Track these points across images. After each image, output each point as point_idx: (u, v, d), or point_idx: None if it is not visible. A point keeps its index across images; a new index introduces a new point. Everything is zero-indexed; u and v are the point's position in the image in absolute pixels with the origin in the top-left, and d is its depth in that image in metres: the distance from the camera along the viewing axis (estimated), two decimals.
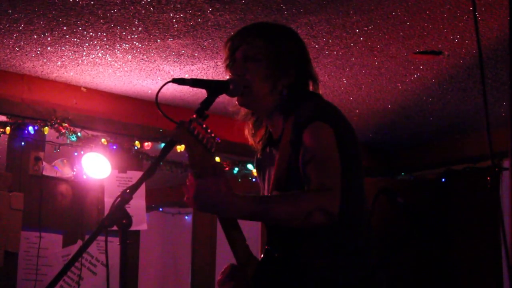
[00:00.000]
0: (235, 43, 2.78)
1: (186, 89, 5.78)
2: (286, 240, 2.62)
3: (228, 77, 2.76)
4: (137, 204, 5.90)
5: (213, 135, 2.51)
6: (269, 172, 2.83)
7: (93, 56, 5.19)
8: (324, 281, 2.56)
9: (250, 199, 2.45)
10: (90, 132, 5.95)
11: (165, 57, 5.19)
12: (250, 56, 2.73)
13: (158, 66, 5.37)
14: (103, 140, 5.98)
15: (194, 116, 2.50)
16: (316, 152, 2.53)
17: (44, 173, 5.72)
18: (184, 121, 2.46)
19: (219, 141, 2.53)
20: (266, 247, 2.66)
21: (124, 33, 4.77)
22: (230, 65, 2.79)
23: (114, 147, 6.03)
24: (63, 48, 5.05)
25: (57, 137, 5.79)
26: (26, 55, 5.20)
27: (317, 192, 2.46)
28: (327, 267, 2.58)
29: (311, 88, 2.82)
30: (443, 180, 7.06)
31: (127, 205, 2.34)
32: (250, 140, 2.96)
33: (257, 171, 3.00)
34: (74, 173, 5.93)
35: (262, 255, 2.66)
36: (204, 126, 2.50)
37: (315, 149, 2.53)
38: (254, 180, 6.85)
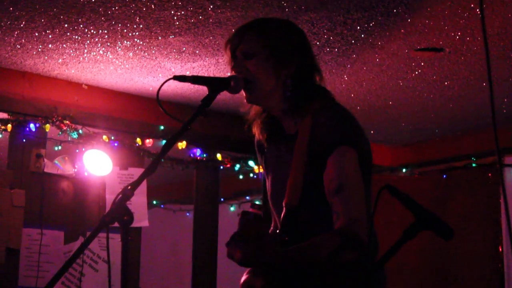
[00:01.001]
0: (234, 43, 2.78)
1: (187, 86, 5.79)
2: (299, 233, 2.63)
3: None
4: (139, 201, 5.91)
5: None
6: (277, 171, 2.83)
7: (94, 53, 5.20)
8: (325, 277, 2.58)
9: (290, 256, 2.47)
10: (91, 129, 5.96)
11: (166, 54, 5.19)
12: (249, 52, 2.73)
13: (159, 63, 5.38)
14: (104, 137, 5.99)
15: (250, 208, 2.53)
16: (343, 182, 2.52)
17: (45, 170, 5.73)
18: (247, 212, 2.48)
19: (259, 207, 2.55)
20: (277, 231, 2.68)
21: (125, 31, 4.77)
22: (233, 65, 2.80)
23: (115, 144, 6.04)
24: (64, 45, 5.05)
25: (59, 134, 5.79)
26: (28, 52, 5.21)
27: (346, 228, 2.46)
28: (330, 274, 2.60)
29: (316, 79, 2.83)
30: (444, 176, 7.06)
31: (128, 202, 2.34)
32: (259, 136, 2.94)
33: (264, 166, 2.99)
34: (76, 170, 5.94)
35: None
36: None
37: (342, 179, 2.52)
38: (255, 176, 6.86)
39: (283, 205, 2.65)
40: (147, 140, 6.23)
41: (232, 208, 8.99)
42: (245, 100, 2.82)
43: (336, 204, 2.51)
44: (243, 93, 2.82)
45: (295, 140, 2.69)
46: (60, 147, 5.86)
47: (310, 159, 2.61)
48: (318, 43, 4.91)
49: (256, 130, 2.93)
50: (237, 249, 2.44)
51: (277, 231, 2.68)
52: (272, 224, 2.86)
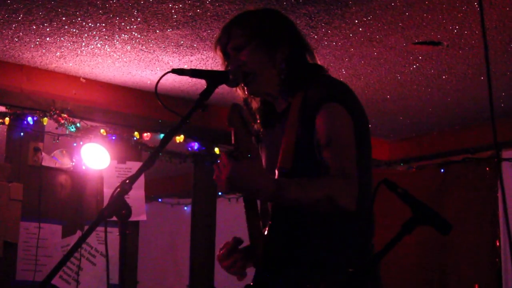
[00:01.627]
0: (223, 42, 2.80)
1: (185, 80, 5.78)
2: (290, 218, 2.63)
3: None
4: (136, 195, 5.91)
5: (255, 117, 2.51)
6: (271, 148, 2.83)
7: (92, 46, 5.19)
8: (318, 262, 2.59)
9: (280, 185, 2.44)
10: (89, 123, 5.96)
11: (164, 47, 5.18)
12: (240, 45, 2.75)
13: (157, 56, 5.37)
14: (102, 130, 5.99)
15: (245, 97, 2.51)
16: (333, 137, 2.54)
17: (43, 163, 5.73)
18: (237, 104, 2.46)
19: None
20: (270, 222, 2.67)
21: (123, 24, 4.76)
22: (228, 62, 2.81)
23: (113, 137, 6.04)
24: (62, 38, 5.05)
25: (56, 128, 5.79)
26: (25, 45, 5.20)
27: (339, 178, 2.48)
28: (323, 248, 2.60)
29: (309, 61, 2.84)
30: (442, 170, 7.06)
31: (126, 196, 2.34)
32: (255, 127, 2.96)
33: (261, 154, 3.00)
34: (73, 163, 5.94)
35: (266, 231, 2.66)
36: (249, 108, 2.52)
37: (332, 133, 2.55)
38: None
39: (276, 170, 2.65)
40: (145, 134, 6.23)
41: (229, 202, 9.00)
42: (242, 96, 2.84)
43: (326, 158, 2.53)
44: (237, 90, 2.85)
45: (287, 115, 2.70)
46: (58, 141, 5.85)
47: (301, 123, 2.63)
48: (316, 36, 4.91)
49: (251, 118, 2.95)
50: (227, 166, 2.41)
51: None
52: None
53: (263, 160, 2.88)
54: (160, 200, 10.01)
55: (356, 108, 2.65)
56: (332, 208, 2.46)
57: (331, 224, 2.61)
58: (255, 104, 2.91)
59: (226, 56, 2.81)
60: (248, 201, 2.64)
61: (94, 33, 4.93)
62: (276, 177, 2.62)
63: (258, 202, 2.70)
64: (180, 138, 6.33)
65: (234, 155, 2.46)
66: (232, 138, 2.49)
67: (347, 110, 2.59)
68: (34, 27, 4.83)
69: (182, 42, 5.07)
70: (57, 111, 5.73)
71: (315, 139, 2.58)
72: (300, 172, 2.59)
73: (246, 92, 2.81)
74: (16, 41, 5.12)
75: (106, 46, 5.18)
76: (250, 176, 2.40)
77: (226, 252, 2.80)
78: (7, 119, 5.57)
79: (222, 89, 2.69)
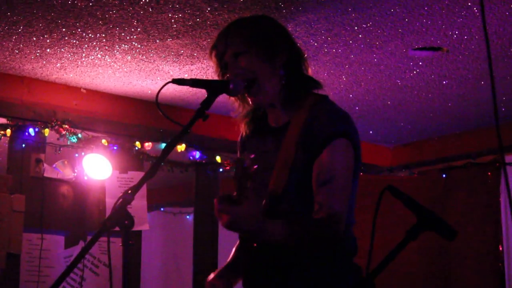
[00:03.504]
0: (220, 50, 2.78)
1: (185, 89, 5.78)
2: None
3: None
4: (139, 205, 5.91)
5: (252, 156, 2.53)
6: (260, 159, 2.81)
7: (93, 57, 5.20)
8: (309, 275, 2.60)
9: (277, 228, 2.48)
10: (90, 133, 5.96)
11: (164, 57, 5.19)
12: (239, 52, 2.74)
13: (158, 66, 5.38)
14: (103, 141, 5.99)
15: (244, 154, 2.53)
16: (335, 175, 2.57)
17: (45, 174, 5.73)
18: (241, 159, 2.47)
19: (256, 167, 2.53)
20: (255, 244, 2.67)
21: (123, 34, 4.77)
22: (224, 71, 2.79)
23: (115, 147, 6.04)
24: (62, 49, 5.05)
25: (58, 139, 5.79)
26: (26, 57, 5.21)
27: (326, 220, 2.52)
28: (311, 268, 2.62)
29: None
30: (444, 175, 7.06)
31: (128, 206, 2.34)
32: (244, 131, 2.95)
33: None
34: (75, 174, 5.94)
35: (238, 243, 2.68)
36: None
37: (335, 172, 2.58)
38: None
39: (268, 192, 2.66)
40: (146, 144, 6.23)
41: None
42: (241, 108, 2.86)
43: (322, 194, 2.56)
44: (233, 101, 2.85)
45: (284, 133, 2.70)
46: (59, 152, 5.85)
47: (301, 149, 2.63)
48: (316, 44, 4.91)
49: (242, 127, 2.95)
50: (226, 211, 2.43)
51: None
52: None
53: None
54: (162, 209, 10.01)
55: (358, 140, 2.69)
56: (317, 252, 2.59)
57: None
58: (247, 106, 2.89)
59: (222, 64, 2.80)
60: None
61: (94, 43, 4.94)
62: (266, 199, 2.65)
63: None
64: (181, 147, 6.34)
65: (234, 200, 2.47)
66: (235, 187, 2.49)
67: (352, 145, 2.63)
68: (34, 38, 4.84)
69: (182, 51, 5.07)
70: (58, 122, 5.73)
71: (315, 169, 2.60)
72: (291, 198, 2.63)
73: (252, 103, 2.80)
74: (17, 53, 5.13)
75: (106, 56, 5.18)
76: (250, 220, 2.42)
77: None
78: (8, 130, 5.57)
79: (223, 97, 2.69)
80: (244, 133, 2.96)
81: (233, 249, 2.98)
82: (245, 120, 2.91)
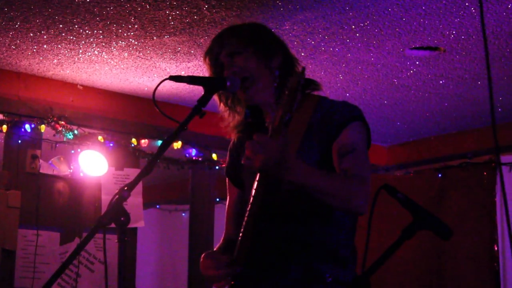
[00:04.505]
0: (215, 51, 2.80)
1: (182, 86, 5.79)
2: (274, 225, 2.65)
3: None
4: (134, 202, 5.91)
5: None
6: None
7: (89, 53, 5.19)
8: (310, 270, 2.60)
9: (310, 167, 2.48)
10: (86, 130, 5.95)
11: (161, 54, 5.19)
12: (235, 51, 2.75)
13: (155, 63, 5.38)
14: (99, 137, 5.98)
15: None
16: (358, 147, 2.61)
17: (41, 171, 5.72)
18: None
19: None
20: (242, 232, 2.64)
21: (120, 31, 4.77)
22: (218, 72, 2.79)
23: (111, 144, 6.04)
24: (59, 46, 5.05)
25: (54, 135, 5.79)
26: (22, 53, 5.20)
27: (361, 181, 2.53)
28: (319, 260, 2.62)
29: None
30: (440, 175, 7.06)
31: (124, 203, 2.34)
32: (237, 139, 2.95)
33: (233, 164, 3.00)
34: (71, 170, 5.93)
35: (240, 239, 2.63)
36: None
37: (357, 144, 2.62)
38: None
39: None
40: (143, 141, 6.22)
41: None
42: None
43: (346, 162, 2.58)
44: (223, 110, 2.85)
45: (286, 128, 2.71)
46: (55, 148, 5.85)
47: (306, 146, 2.66)
48: (313, 42, 4.91)
49: (234, 136, 2.94)
50: (263, 142, 2.35)
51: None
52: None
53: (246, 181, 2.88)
54: (158, 206, 10.01)
55: (369, 129, 2.76)
56: (345, 204, 2.51)
57: (323, 229, 2.63)
58: (237, 117, 2.89)
59: (217, 66, 2.80)
60: (258, 196, 2.57)
61: (91, 40, 4.94)
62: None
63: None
64: (177, 145, 6.33)
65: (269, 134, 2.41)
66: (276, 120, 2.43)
67: (366, 129, 2.72)
68: (31, 34, 4.84)
69: (179, 48, 5.07)
70: (55, 118, 5.72)
71: (336, 147, 2.62)
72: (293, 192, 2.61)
73: (243, 99, 2.80)
74: (13, 49, 5.12)
75: (103, 53, 5.18)
76: (284, 152, 2.35)
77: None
78: (4, 126, 5.56)
79: None
80: (235, 141, 2.96)
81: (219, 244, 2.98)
82: (237, 129, 2.91)
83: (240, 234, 2.58)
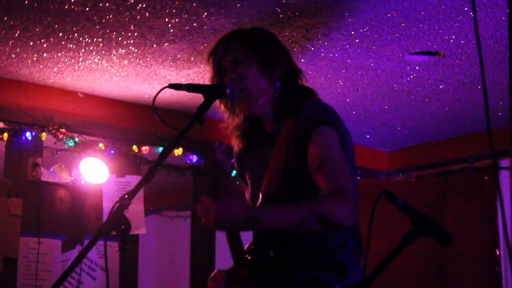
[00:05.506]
0: (219, 55, 2.80)
1: (182, 93, 5.78)
2: (278, 240, 2.63)
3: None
4: (136, 209, 5.91)
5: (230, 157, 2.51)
6: (256, 172, 2.83)
7: (90, 61, 5.20)
8: (313, 283, 2.59)
9: (261, 210, 2.43)
10: (87, 137, 5.95)
11: (161, 61, 5.19)
12: (238, 59, 2.75)
13: (155, 70, 5.38)
14: (100, 145, 5.99)
15: (215, 145, 2.50)
16: (326, 157, 2.54)
17: (42, 178, 5.72)
18: (212, 148, 2.45)
19: (233, 161, 2.52)
20: (253, 247, 2.65)
21: (120, 39, 4.77)
22: (220, 76, 2.80)
23: (112, 151, 6.04)
24: (59, 54, 5.06)
25: (55, 143, 5.79)
26: (23, 61, 5.21)
27: (333, 195, 2.46)
28: (311, 267, 2.61)
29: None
30: (441, 180, 7.06)
31: (125, 210, 2.35)
32: (238, 147, 2.96)
33: (240, 170, 3.00)
34: (72, 178, 5.94)
35: (250, 256, 2.64)
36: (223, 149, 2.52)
37: (325, 154, 2.55)
38: None
39: (260, 194, 2.64)
40: (144, 148, 6.23)
41: None
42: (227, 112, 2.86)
43: (320, 179, 2.53)
44: (223, 111, 2.85)
45: (276, 139, 2.71)
46: (56, 155, 5.85)
47: (290, 148, 2.64)
48: (312, 48, 4.92)
49: (234, 142, 2.95)
50: (209, 211, 2.35)
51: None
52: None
53: (250, 182, 2.88)
54: (159, 213, 10.00)
55: (344, 130, 2.67)
56: (325, 226, 2.41)
57: (317, 242, 2.63)
58: (231, 126, 2.90)
59: (219, 70, 2.81)
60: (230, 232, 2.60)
61: (91, 48, 4.94)
62: (259, 200, 2.62)
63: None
64: (178, 151, 6.34)
65: (214, 195, 2.44)
66: (212, 184, 2.47)
67: (337, 132, 2.61)
68: (31, 43, 4.84)
69: (179, 55, 5.08)
70: (56, 126, 5.73)
71: (309, 162, 2.58)
72: (285, 197, 2.61)
73: (240, 110, 2.81)
74: (14, 57, 5.13)
75: (104, 61, 5.19)
76: (236, 215, 2.34)
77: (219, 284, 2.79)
78: (5, 134, 5.57)
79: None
80: (237, 148, 2.96)
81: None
82: (236, 133, 2.91)
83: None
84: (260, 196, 2.64)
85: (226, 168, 2.45)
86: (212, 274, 2.84)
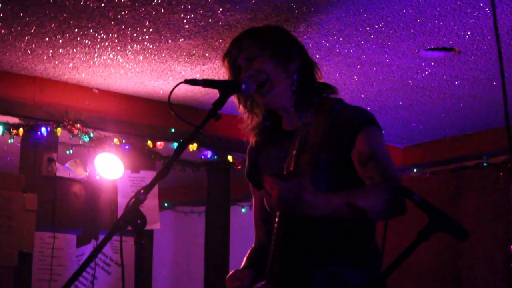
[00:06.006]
0: (233, 55, 2.80)
1: (197, 89, 5.79)
2: (300, 231, 2.63)
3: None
4: (150, 204, 5.92)
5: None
6: (274, 167, 2.81)
7: (105, 57, 5.22)
8: (335, 279, 2.59)
9: (332, 195, 2.44)
10: (102, 133, 5.97)
11: (176, 57, 5.20)
12: (253, 55, 2.76)
13: (169, 66, 5.39)
14: (115, 140, 6.01)
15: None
16: (376, 150, 2.61)
17: (57, 174, 5.75)
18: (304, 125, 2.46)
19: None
20: (273, 238, 2.63)
21: (135, 34, 4.79)
22: (236, 76, 2.80)
23: (127, 147, 6.06)
24: (74, 50, 5.07)
25: (70, 138, 5.82)
26: (38, 57, 5.23)
27: (391, 182, 2.50)
28: (342, 261, 2.61)
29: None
30: (455, 176, 7.04)
31: (140, 206, 2.36)
32: (256, 143, 2.95)
33: (253, 170, 3.00)
34: (87, 173, 5.96)
35: (272, 247, 2.62)
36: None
37: (375, 148, 2.61)
38: None
39: None
40: (158, 143, 6.24)
41: (243, 210, 9.00)
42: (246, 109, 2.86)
43: (369, 169, 2.58)
44: (242, 111, 2.85)
45: (297, 135, 2.70)
46: (71, 151, 5.88)
47: (325, 151, 2.64)
48: (327, 44, 4.92)
49: (252, 139, 2.94)
50: (276, 185, 2.36)
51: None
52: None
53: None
54: (174, 208, 10.02)
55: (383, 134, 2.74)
56: (393, 212, 2.48)
57: (349, 236, 2.63)
58: (256, 119, 2.90)
59: (235, 69, 2.82)
60: (283, 218, 2.56)
61: (107, 44, 4.96)
62: None
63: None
64: (193, 147, 6.35)
65: (282, 176, 2.42)
66: (292, 162, 2.45)
67: (382, 134, 2.71)
68: (47, 39, 4.86)
69: (194, 51, 5.09)
70: (71, 122, 5.75)
71: (355, 155, 2.61)
72: None
73: (261, 103, 2.80)
74: (29, 54, 5.15)
75: (119, 56, 5.20)
76: (299, 194, 2.34)
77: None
78: (21, 130, 5.59)
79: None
80: (253, 144, 2.96)
81: (245, 258, 2.94)
82: (254, 131, 2.91)
83: (269, 254, 2.57)
84: None
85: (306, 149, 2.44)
86: (231, 274, 2.81)
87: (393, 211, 2.47)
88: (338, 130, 2.66)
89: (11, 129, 5.57)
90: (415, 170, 7.60)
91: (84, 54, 5.16)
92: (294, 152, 2.39)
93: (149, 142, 6.19)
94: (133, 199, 2.35)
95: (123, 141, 6.05)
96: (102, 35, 4.80)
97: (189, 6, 4.33)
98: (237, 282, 2.74)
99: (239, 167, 6.64)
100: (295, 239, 2.63)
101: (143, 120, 6.23)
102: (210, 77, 5.53)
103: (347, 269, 2.62)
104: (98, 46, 5.00)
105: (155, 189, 6.02)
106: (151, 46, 4.99)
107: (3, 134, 5.55)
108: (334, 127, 2.67)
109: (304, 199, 2.35)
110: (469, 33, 4.70)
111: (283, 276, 2.54)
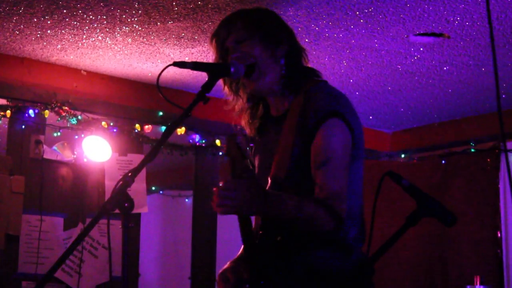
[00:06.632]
0: (222, 36, 2.80)
1: (186, 72, 5.78)
2: (281, 226, 2.63)
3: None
4: (138, 188, 5.91)
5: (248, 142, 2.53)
6: (265, 155, 2.83)
7: (93, 39, 5.19)
8: (313, 271, 2.60)
9: (280, 200, 2.49)
10: (90, 115, 5.95)
11: (165, 40, 5.18)
12: (241, 38, 2.75)
13: (158, 49, 5.37)
14: (103, 123, 5.98)
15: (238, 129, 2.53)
16: (330, 156, 2.57)
17: (44, 156, 5.73)
18: (234, 134, 2.47)
19: (252, 146, 2.54)
20: (260, 232, 2.66)
21: (124, 16, 4.76)
22: (224, 57, 2.79)
23: (115, 130, 6.04)
24: (63, 31, 5.04)
25: (58, 120, 5.79)
26: (26, 38, 5.20)
27: (328, 200, 2.52)
28: (316, 253, 2.61)
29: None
30: (443, 161, 7.06)
31: (128, 189, 2.35)
32: (248, 130, 2.95)
33: (251, 156, 2.99)
34: (75, 156, 5.94)
35: (257, 241, 2.64)
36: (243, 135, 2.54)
37: (329, 152, 2.57)
38: None
39: (269, 178, 2.66)
40: (146, 126, 6.22)
41: None
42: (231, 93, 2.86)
43: (320, 176, 2.56)
44: (227, 93, 2.85)
45: (284, 120, 2.71)
46: (59, 133, 5.85)
47: (299, 133, 2.64)
48: (317, 28, 4.90)
49: (247, 127, 2.94)
50: (222, 195, 2.41)
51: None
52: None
53: (257, 164, 2.88)
54: (161, 192, 10.01)
55: (355, 122, 2.67)
56: (313, 229, 2.54)
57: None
58: (237, 108, 2.90)
59: (223, 50, 2.81)
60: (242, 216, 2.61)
61: (95, 25, 4.93)
62: (268, 185, 2.64)
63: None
64: (181, 131, 6.33)
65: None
66: (230, 166, 2.48)
67: (347, 126, 2.61)
68: (35, 19, 4.83)
69: (183, 34, 5.07)
70: (58, 104, 5.72)
71: (312, 152, 2.60)
72: (294, 182, 2.62)
73: (250, 89, 2.80)
74: (17, 34, 5.12)
75: (107, 38, 5.17)
76: (248, 196, 2.40)
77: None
78: (8, 112, 5.56)
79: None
80: (250, 133, 2.96)
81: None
82: (246, 118, 2.91)
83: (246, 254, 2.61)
84: (269, 181, 2.64)
85: (245, 153, 2.45)
86: (221, 271, 2.81)
87: (312, 229, 2.55)
88: (306, 115, 2.64)
89: None
90: (403, 155, 7.61)
91: (72, 36, 5.14)
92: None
93: (137, 125, 6.17)
94: (121, 182, 2.34)
95: (111, 124, 6.03)
96: (90, 17, 4.78)
97: None
98: (227, 284, 2.74)
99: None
100: (274, 231, 2.64)
101: (131, 102, 6.21)
102: (199, 60, 5.51)
103: (329, 252, 2.62)
104: (87, 27, 4.97)
105: (143, 173, 6.01)
106: (140, 28, 4.96)
107: None
108: (305, 111, 2.65)
109: (250, 202, 2.43)
110: (458, 18, 4.70)
111: (264, 267, 2.56)
